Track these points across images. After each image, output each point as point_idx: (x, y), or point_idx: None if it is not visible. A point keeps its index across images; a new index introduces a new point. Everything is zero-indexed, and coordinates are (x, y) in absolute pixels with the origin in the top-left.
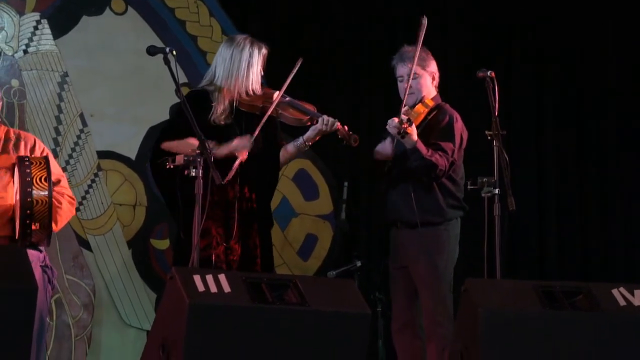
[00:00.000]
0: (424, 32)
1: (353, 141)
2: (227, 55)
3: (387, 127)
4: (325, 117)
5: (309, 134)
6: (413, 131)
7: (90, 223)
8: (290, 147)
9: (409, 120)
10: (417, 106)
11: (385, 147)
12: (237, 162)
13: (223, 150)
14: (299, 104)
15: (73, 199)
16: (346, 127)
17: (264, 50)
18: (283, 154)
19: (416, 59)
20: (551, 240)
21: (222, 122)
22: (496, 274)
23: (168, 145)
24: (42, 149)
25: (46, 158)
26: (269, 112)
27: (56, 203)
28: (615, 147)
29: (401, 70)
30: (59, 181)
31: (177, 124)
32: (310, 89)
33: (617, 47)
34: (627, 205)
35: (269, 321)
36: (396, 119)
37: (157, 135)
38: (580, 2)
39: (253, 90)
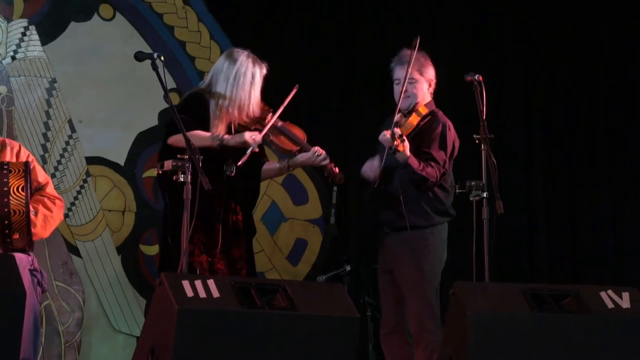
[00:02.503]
0: (415, 51)
1: (338, 179)
2: (230, 74)
3: (380, 139)
4: (318, 149)
5: (296, 161)
6: (405, 147)
7: (80, 229)
8: (272, 167)
9: (400, 136)
10: (410, 117)
11: (372, 167)
12: (248, 151)
13: (235, 138)
14: (290, 132)
15: (61, 200)
16: (333, 164)
17: (264, 71)
18: (264, 172)
19: (411, 63)
20: (540, 243)
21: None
22: (485, 277)
23: (175, 139)
24: (27, 154)
25: (26, 164)
26: (261, 135)
27: (47, 212)
28: (604, 150)
29: (398, 73)
30: (47, 184)
31: (183, 119)
32: (301, 100)
33: (608, 50)
34: (617, 208)
35: (258, 326)
36: (388, 133)
37: (163, 134)
38: (571, 6)
39: (253, 113)
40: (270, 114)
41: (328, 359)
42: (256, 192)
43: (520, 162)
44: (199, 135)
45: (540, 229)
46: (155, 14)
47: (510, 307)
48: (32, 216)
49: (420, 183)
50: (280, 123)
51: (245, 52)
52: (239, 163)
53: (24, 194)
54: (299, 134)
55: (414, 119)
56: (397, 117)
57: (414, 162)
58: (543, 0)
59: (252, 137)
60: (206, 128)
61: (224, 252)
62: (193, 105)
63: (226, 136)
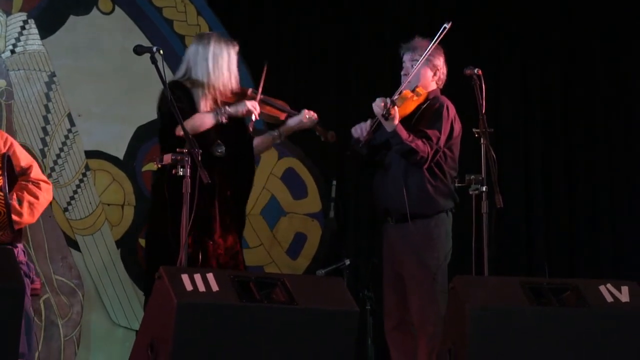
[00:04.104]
0: (441, 36)
1: (330, 137)
2: (208, 55)
3: (373, 106)
4: (307, 111)
5: (288, 126)
6: (395, 114)
7: (79, 223)
8: (263, 139)
9: (392, 102)
10: (405, 91)
11: (362, 127)
12: (253, 118)
13: (237, 108)
14: (274, 102)
15: (47, 182)
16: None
17: (237, 48)
18: (257, 147)
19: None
20: (539, 236)
21: None
22: (484, 271)
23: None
24: (4, 138)
25: (3, 156)
26: (258, 99)
27: (31, 199)
28: (603, 144)
29: (404, 57)
30: (30, 167)
31: (179, 107)
32: (298, 91)
33: (604, 46)
34: (615, 201)
35: (257, 320)
36: (381, 100)
37: (161, 125)
38: (567, 2)
39: (234, 88)
40: (251, 90)
41: (327, 353)
42: (250, 175)
43: (520, 156)
44: (202, 116)
45: (539, 223)
46: (155, 7)
47: (510, 301)
48: (16, 205)
49: (409, 155)
50: (262, 96)
51: (215, 34)
52: (250, 130)
53: (2, 193)
54: (282, 103)
55: (407, 93)
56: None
57: (402, 132)
58: None
59: (252, 105)
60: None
61: (222, 237)
62: (181, 93)
63: (227, 107)
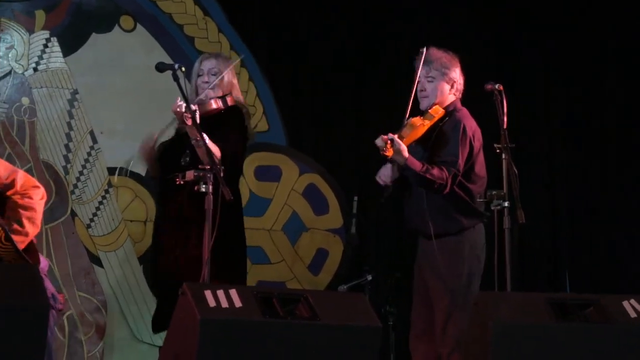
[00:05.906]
0: (421, 61)
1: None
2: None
3: (376, 143)
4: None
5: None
6: (396, 151)
7: (102, 239)
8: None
9: (392, 140)
10: (414, 119)
11: (385, 173)
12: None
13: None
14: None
15: (37, 186)
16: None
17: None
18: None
19: (421, 62)
20: (562, 252)
21: None
22: (507, 286)
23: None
24: None
25: None
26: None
27: (28, 214)
28: (627, 158)
29: (420, 73)
30: (13, 180)
31: None
32: (315, 104)
33: (620, 61)
34: (639, 217)
35: (280, 336)
36: (382, 138)
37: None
38: (582, 13)
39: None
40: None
41: None
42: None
43: (542, 171)
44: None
45: (562, 238)
46: (176, 24)
47: (533, 317)
48: (18, 228)
49: (427, 185)
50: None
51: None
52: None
53: (8, 244)
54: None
55: (417, 121)
56: (406, 119)
57: (415, 164)
58: (561, 8)
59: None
60: None
61: (181, 252)
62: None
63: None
